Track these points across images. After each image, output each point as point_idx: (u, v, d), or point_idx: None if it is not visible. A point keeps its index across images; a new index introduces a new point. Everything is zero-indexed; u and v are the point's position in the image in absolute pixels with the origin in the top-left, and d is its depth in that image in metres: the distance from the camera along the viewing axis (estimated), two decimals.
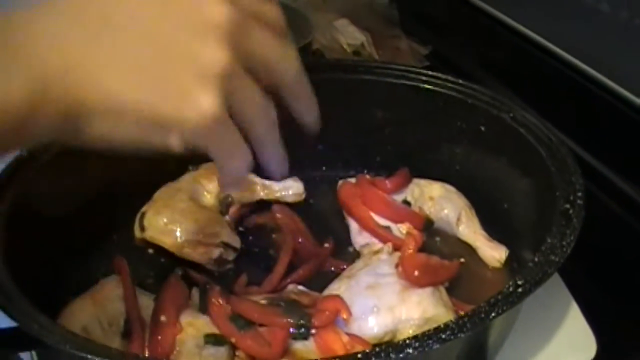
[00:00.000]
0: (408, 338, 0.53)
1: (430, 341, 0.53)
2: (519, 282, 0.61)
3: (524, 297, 0.59)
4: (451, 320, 0.55)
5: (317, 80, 0.92)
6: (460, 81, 0.90)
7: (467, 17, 1.33)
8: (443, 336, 0.53)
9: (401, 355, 0.51)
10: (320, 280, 0.81)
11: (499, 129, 0.86)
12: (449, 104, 0.90)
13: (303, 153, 0.96)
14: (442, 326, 0.54)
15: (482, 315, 0.56)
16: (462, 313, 0.72)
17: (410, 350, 0.51)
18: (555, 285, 0.85)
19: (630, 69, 0.95)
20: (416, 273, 0.72)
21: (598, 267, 0.90)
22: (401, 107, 0.94)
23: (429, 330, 0.54)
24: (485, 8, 1.26)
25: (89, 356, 0.50)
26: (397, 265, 0.74)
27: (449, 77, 0.90)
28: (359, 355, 0.51)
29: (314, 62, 0.95)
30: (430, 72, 0.91)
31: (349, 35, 1.31)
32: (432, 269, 0.75)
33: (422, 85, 0.92)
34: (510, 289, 0.60)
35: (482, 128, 0.88)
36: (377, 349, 0.52)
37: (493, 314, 0.56)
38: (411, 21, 1.42)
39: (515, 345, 0.76)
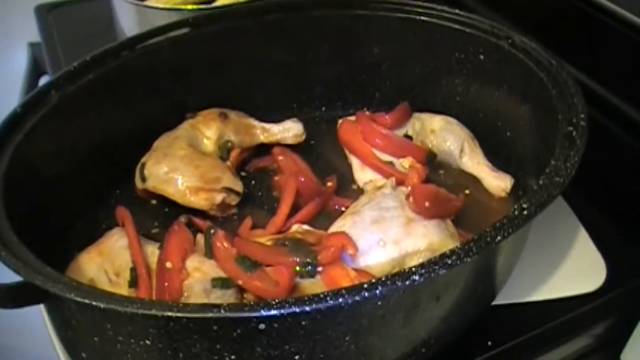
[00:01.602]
0: (414, 266, 0.52)
1: (436, 267, 0.52)
2: (524, 205, 0.60)
3: (529, 219, 0.58)
4: (457, 246, 0.54)
5: (311, 17, 0.92)
6: (457, 11, 0.88)
7: None
8: (449, 261, 0.53)
9: (407, 283, 0.51)
10: (325, 219, 0.81)
11: (498, 56, 0.85)
12: (446, 35, 0.89)
13: (301, 94, 0.96)
14: (448, 252, 0.54)
15: (488, 239, 0.55)
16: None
17: (417, 277, 0.51)
18: (563, 212, 0.85)
19: None
20: (427, 204, 0.72)
21: (604, 192, 0.89)
22: (398, 41, 0.92)
23: (434, 257, 0.53)
24: None
25: (94, 303, 0.50)
26: (407, 197, 0.73)
27: (445, 8, 0.88)
28: (365, 285, 0.51)
29: (301, 0, 0.92)
30: (425, 4, 0.89)
31: None
32: (442, 201, 0.74)
33: (417, 17, 0.90)
34: (516, 212, 0.59)
35: (481, 57, 0.87)
36: (384, 278, 0.51)
37: (499, 238, 0.56)
38: None
39: (525, 272, 0.76)
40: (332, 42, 0.93)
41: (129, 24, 1.07)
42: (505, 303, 0.74)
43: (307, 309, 0.49)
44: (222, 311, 0.48)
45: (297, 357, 0.55)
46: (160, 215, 0.83)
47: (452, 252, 0.54)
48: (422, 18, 0.90)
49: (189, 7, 1.06)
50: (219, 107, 0.90)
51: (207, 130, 0.86)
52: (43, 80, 1.30)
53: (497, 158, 0.87)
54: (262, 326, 0.52)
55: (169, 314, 0.48)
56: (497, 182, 0.84)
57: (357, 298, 0.49)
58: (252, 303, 0.49)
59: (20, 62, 1.38)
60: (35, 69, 1.31)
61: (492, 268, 0.66)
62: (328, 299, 0.49)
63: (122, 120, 0.84)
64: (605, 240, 0.81)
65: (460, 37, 0.88)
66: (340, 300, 0.49)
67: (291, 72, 0.94)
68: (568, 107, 0.72)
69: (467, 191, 0.86)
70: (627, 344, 0.75)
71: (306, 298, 0.49)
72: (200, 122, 0.87)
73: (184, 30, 0.86)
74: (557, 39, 0.89)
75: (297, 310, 0.48)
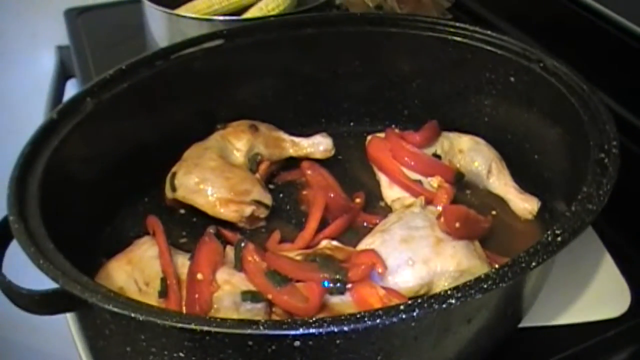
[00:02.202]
0: (450, 289, 0.53)
1: (472, 291, 0.52)
2: (557, 232, 0.60)
3: (563, 246, 0.58)
4: (492, 271, 0.55)
5: (343, 33, 0.93)
6: (489, 32, 0.89)
7: None
8: (485, 286, 0.53)
9: (444, 306, 0.51)
10: (353, 235, 0.81)
11: (529, 79, 0.85)
12: (477, 56, 0.89)
13: (330, 109, 0.96)
14: (482, 276, 0.54)
15: (523, 265, 0.56)
16: (496, 265, 0.72)
17: (453, 301, 0.51)
18: (588, 237, 0.85)
19: None
20: (457, 225, 0.72)
21: (629, 218, 0.89)
22: (428, 59, 0.92)
23: (469, 281, 0.54)
24: None
25: (133, 315, 0.51)
26: (438, 217, 0.74)
27: (477, 29, 0.89)
28: (402, 307, 0.51)
29: (339, 15, 0.93)
30: (457, 24, 0.90)
31: None
32: (472, 222, 0.75)
33: (449, 37, 0.90)
34: (549, 238, 0.60)
35: (512, 79, 0.87)
36: (420, 300, 0.52)
37: (533, 264, 0.56)
38: None
39: (550, 296, 0.76)
40: (362, 58, 0.94)
41: (159, 31, 1.09)
42: (531, 326, 0.74)
43: (345, 328, 0.49)
44: (261, 328, 0.49)
45: None
46: (188, 225, 0.84)
47: (488, 276, 0.54)
48: (454, 38, 0.90)
49: (219, 17, 1.07)
50: (249, 119, 0.91)
51: (238, 142, 0.87)
52: (70, 84, 1.32)
53: (524, 180, 0.88)
54: (297, 343, 0.52)
55: (208, 328, 0.49)
56: (524, 205, 0.85)
57: (394, 319, 0.50)
58: (290, 320, 0.50)
59: (47, 64, 1.40)
60: (63, 72, 1.32)
61: (522, 292, 0.66)
62: (366, 319, 0.49)
63: (153, 129, 0.85)
64: (630, 267, 0.82)
65: (492, 58, 0.88)
66: (378, 321, 0.50)
67: (321, 86, 0.95)
68: (599, 133, 0.73)
69: (493, 212, 0.86)
70: None
71: (344, 317, 0.50)
72: (231, 134, 0.88)
73: (218, 41, 0.87)
74: (589, 64, 0.89)
75: (335, 329, 0.49)
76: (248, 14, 1.13)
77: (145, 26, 1.11)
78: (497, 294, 0.60)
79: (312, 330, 0.49)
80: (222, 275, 0.70)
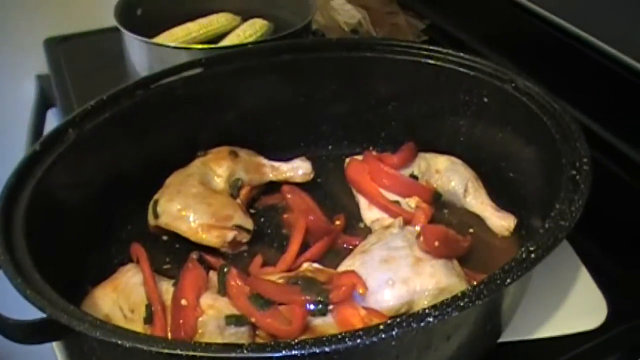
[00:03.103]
0: (428, 307, 0.54)
1: (449, 309, 0.54)
2: (531, 248, 0.62)
3: (536, 262, 0.60)
4: (468, 288, 0.57)
5: (320, 59, 0.95)
6: (462, 54, 0.91)
7: None
8: (461, 304, 0.55)
9: (422, 324, 0.53)
10: (334, 256, 0.83)
11: (502, 99, 0.87)
12: (451, 78, 0.91)
13: (309, 133, 0.98)
14: (459, 294, 0.56)
15: (498, 282, 0.58)
16: (474, 282, 0.74)
17: (431, 319, 0.53)
18: (564, 251, 0.87)
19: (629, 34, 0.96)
20: (436, 243, 0.74)
21: (605, 232, 0.91)
22: (404, 82, 0.95)
23: (447, 299, 0.55)
24: None
25: (119, 342, 0.52)
26: (417, 236, 0.75)
27: (450, 51, 0.91)
28: (381, 327, 0.52)
29: (316, 41, 0.95)
30: (431, 47, 0.92)
31: (345, 14, 1.31)
32: (451, 241, 0.77)
33: (423, 60, 0.93)
34: (523, 255, 0.61)
35: (485, 99, 0.90)
36: (399, 319, 0.53)
37: (508, 280, 0.58)
38: None
39: (528, 310, 0.78)
40: (340, 83, 0.96)
41: (138, 59, 1.10)
42: (511, 340, 0.75)
43: (327, 349, 0.50)
44: (245, 351, 0.50)
45: None
46: (171, 251, 0.85)
47: (464, 294, 0.56)
48: (428, 61, 0.92)
49: (198, 46, 1.09)
50: (229, 144, 0.93)
51: (218, 168, 0.88)
52: (51, 113, 1.33)
53: (500, 197, 0.90)
54: None
55: (194, 353, 0.50)
56: (501, 222, 0.87)
57: (374, 339, 0.51)
58: (272, 343, 0.51)
59: (27, 93, 1.41)
60: (44, 102, 1.33)
61: (500, 308, 0.68)
62: (347, 339, 0.51)
63: (136, 157, 0.87)
64: (606, 279, 0.83)
65: (465, 80, 0.90)
66: (359, 341, 0.51)
67: (300, 111, 0.97)
68: (571, 150, 0.75)
69: (471, 230, 0.88)
70: None
71: (325, 338, 0.51)
72: (212, 160, 0.89)
73: (198, 69, 0.89)
74: (558, 81, 0.91)
75: (317, 350, 0.50)
76: (226, 41, 1.16)
77: (125, 54, 1.13)
78: (474, 311, 0.61)
79: (294, 352, 0.50)
80: (206, 300, 0.71)
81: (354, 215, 0.90)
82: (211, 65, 0.89)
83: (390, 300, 0.72)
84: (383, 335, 0.52)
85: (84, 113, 0.80)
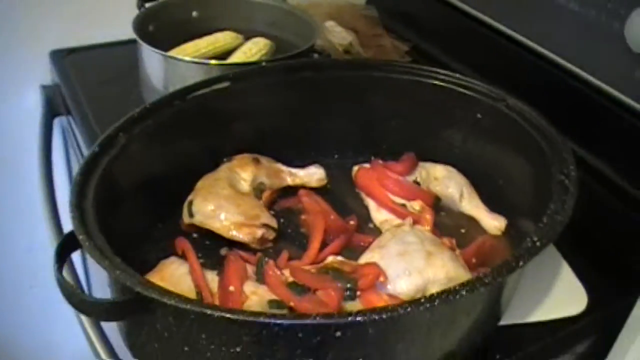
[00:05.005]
0: (459, 284, 0.65)
1: (477, 284, 0.65)
2: (535, 239, 0.74)
3: (541, 249, 0.72)
4: (490, 270, 0.68)
5: (331, 77, 1.06)
6: (458, 75, 1.03)
7: (442, 14, 1.45)
8: (486, 281, 0.66)
9: (457, 297, 0.64)
10: (350, 253, 0.92)
11: (494, 115, 0.99)
12: (448, 96, 1.03)
13: (318, 143, 1.09)
14: (483, 274, 0.67)
15: (513, 264, 0.69)
16: (476, 273, 0.85)
17: (464, 292, 0.64)
18: (549, 251, 0.99)
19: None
20: (474, 260, 0.88)
21: (584, 236, 1.02)
22: (405, 99, 1.06)
23: (474, 277, 0.67)
24: (459, 5, 1.38)
25: (215, 314, 0.61)
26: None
27: (448, 72, 1.03)
28: (423, 300, 0.63)
29: (327, 61, 1.06)
30: (431, 68, 1.04)
31: (337, 36, 1.43)
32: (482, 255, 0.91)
33: (423, 80, 1.04)
34: (529, 244, 0.73)
35: (479, 115, 1.01)
36: (438, 293, 0.64)
37: (521, 263, 0.69)
38: (391, 20, 1.55)
39: (520, 301, 0.89)
40: (348, 99, 1.06)
41: (155, 71, 1.19)
42: (508, 324, 0.87)
43: (383, 316, 0.61)
44: (317, 318, 0.60)
45: None
46: (202, 248, 0.93)
47: (487, 274, 0.67)
48: (428, 80, 1.04)
49: (212, 62, 1.19)
50: (248, 152, 1.02)
51: (243, 172, 0.98)
52: (57, 121, 1.40)
53: (491, 203, 1.01)
54: (338, 334, 0.63)
55: (278, 321, 0.59)
56: (493, 222, 0.98)
57: (420, 308, 0.62)
58: (339, 312, 0.61)
59: (31, 102, 1.47)
60: (50, 110, 1.40)
61: (499, 297, 0.79)
62: (399, 309, 0.61)
63: (168, 161, 0.95)
64: (585, 273, 0.96)
65: (461, 98, 1.02)
66: (409, 309, 0.62)
67: (311, 123, 1.07)
68: (559, 160, 0.87)
69: (462, 230, 1.00)
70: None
71: (381, 308, 0.61)
72: (237, 166, 0.98)
73: (226, 83, 0.98)
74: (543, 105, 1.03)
75: (376, 317, 0.61)
76: (234, 58, 1.25)
77: (141, 66, 1.21)
78: (489, 293, 0.73)
79: (358, 319, 0.60)
80: (248, 287, 0.80)
81: (363, 217, 1.00)
82: (238, 79, 0.99)
83: (408, 287, 0.82)
84: (428, 305, 0.62)
85: (131, 119, 0.88)
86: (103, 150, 0.83)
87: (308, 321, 0.60)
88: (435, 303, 0.63)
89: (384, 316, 0.61)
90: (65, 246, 0.72)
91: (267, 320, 0.60)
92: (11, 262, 1.69)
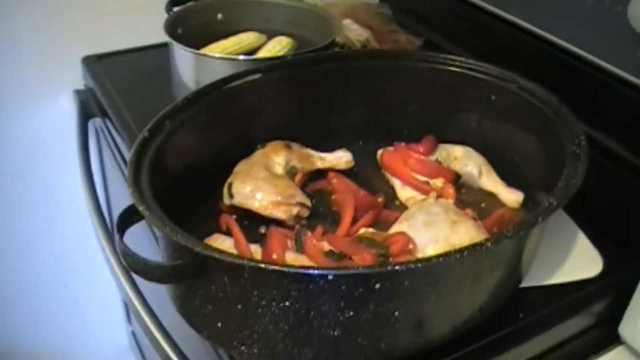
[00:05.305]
0: (485, 239, 0.72)
1: (501, 237, 0.72)
2: (551, 200, 0.81)
3: (558, 207, 0.79)
4: (519, 222, 0.75)
5: (353, 67, 1.13)
6: (471, 61, 1.10)
7: (453, 9, 1.52)
8: (509, 234, 0.73)
9: (483, 248, 0.71)
10: (378, 228, 0.99)
11: (507, 96, 1.06)
12: (463, 81, 1.10)
13: (342, 129, 1.16)
14: (515, 225, 0.74)
15: (534, 220, 0.76)
16: None
17: (489, 245, 0.71)
18: (564, 220, 1.06)
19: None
20: (495, 229, 0.94)
21: (597, 208, 1.09)
22: (423, 86, 1.13)
23: (496, 232, 0.73)
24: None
25: (282, 269, 0.68)
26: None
27: (462, 58, 1.10)
28: (453, 252, 0.70)
29: (349, 52, 1.13)
30: (446, 55, 1.11)
31: (354, 33, 1.50)
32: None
33: (439, 66, 1.12)
34: (546, 204, 0.80)
35: (493, 97, 1.08)
36: (466, 245, 0.71)
37: (540, 218, 0.76)
38: (403, 17, 1.62)
39: (540, 265, 0.96)
40: (369, 88, 1.14)
41: (187, 70, 1.26)
42: (529, 286, 0.94)
43: (419, 265, 0.68)
44: (360, 269, 0.67)
45: (396, 312, 0.73)
46: (241, 227, 1.00)
47: (518, 225, 0.74)
48: (444, 67, 1.11)
49: (240, 57, 1.26)
50: (279, 139, 1.10)
51: (277, 157, 1.05)
52: (91, 123, 1.48)
53: (508, 178, 1.08)
54: (377, 286, 0.70)
55: (325, 272, 0.66)
56: (512, 196, 1.05)
57: (451, 258, 0.69)
58: (377, 264, 0.68)
59: (64, 107, 1.55)
60: (85, 113, 1.48)
61: (522, 253, 0.86)
62: (434, 260, 0.68)
63: (207, 147, 1.02)
64: (599, 240, 1.03)
65: (475, 82, 1.09)
66: (442, 259, 0.69)
67: (336, 112, 1.14)
68: (570, 133, 0.94)
69: (482, 205, 1.07)
70: (623, 319, 0.96)
71: (416, 259, 0.69)
72: (270, 151, 1.06)
73: (258, 75, 1.06)
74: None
75: (413, 267, 0.68)
76: (258, 55, 1.33)
77: (172, 66, 1.29)
78: (513, 248, 0.79)
79: (397, 268, 0.67)
80: (289, 256, 0.87)
81: (390, 196, 1.07)
82: (268, 71, 1.07)
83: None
84: (458, 256, 0.69)
85: (175, 108, 0.95)
86: (152, 135, 0.90)
87: (352, 271, 0.67)
88: (465, 254, 0.69)
89: (419, 265, 0.68)
90: (125, 219, 0.80)
91: (315, 272, 0.67)
92: (47, 263, 1.77)
